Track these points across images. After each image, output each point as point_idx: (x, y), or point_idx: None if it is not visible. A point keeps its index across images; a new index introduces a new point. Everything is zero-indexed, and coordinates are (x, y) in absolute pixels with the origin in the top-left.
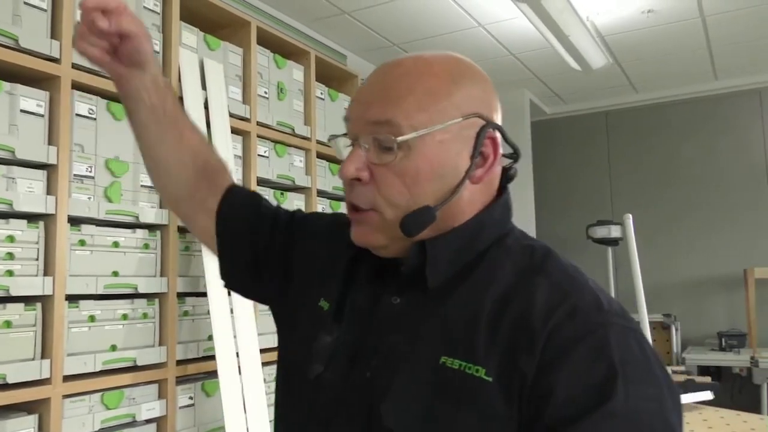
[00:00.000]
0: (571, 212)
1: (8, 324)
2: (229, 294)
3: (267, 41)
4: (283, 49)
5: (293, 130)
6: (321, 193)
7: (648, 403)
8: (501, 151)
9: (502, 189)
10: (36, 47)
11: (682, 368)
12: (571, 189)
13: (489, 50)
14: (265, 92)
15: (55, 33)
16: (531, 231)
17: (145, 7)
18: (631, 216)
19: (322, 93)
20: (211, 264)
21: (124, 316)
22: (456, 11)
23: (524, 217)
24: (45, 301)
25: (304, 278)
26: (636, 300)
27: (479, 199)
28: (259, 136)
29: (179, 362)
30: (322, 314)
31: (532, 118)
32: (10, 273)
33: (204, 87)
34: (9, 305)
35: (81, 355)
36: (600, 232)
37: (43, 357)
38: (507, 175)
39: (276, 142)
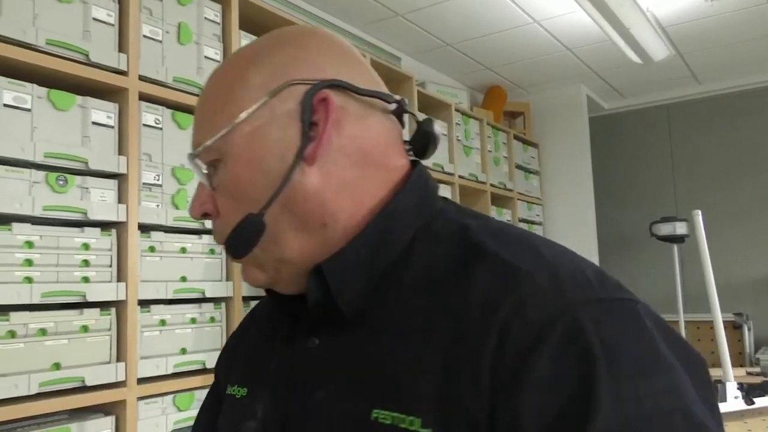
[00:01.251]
0: (634, 209)
1: (85, 329)
2: None
3: None
4: None
5: None
6: None
7: (655, 400)
8: (350, 110)
9: (414, 165)
10: (105, 61)
11: (757, 369)
12: (632, 185)
13: (545, 46)
14: None
15: (122, 46)
16: (591, 229)
17: (206, 18)
18: (700, 212)
19: None
20: None
21: (193, 320)
22: (510, 8)
23: (584, 216)
24: (119, 306)
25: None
26: (708, 299)
27: (353, 183)
28: None
29: None
30: (238, 401)
31: (590, 114)
32: (86, 279)
33: None
34: (86, 311)
35: (153, 358)
36: (664, 229)
37: (118, 360)
38: (423, 143)
39: None
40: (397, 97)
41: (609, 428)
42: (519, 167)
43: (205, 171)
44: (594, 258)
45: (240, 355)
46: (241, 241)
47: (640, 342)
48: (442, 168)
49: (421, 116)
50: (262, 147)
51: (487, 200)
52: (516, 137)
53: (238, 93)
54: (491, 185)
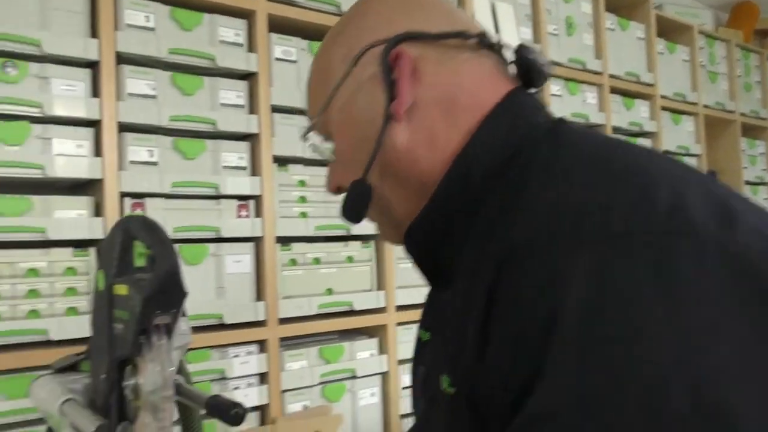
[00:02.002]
0: None
1: (350, 259)
2: None
3: None
4: None
5: (584, 65)
6: (616, 130)
7: (645, 366)
8: (429, 58)
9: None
10: None
11: None
12: None
13: None
14: (555, 29)
15: None
16: None
17: None
18: None
19: (612, 24)
20: None
21: None
22: None
23: None
24: (378, 239)
25: None
26: None
27: (444, 134)
28: (551, 76)
29: None
30: (423, 344)
31: None
32: None
33: (497, 29)
34: (350, 243)
35: (407, 288)
36: None
37: (379, 288)
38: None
39: (567, 79)
40: (478, 31)
41: (553, 404)
42: None
43: (324, 146)
44: None
45: (427, 298)
46: (352, 208)
47: (647, 293)
48: (684, 97)
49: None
50: (354, 115)
51: (736, 131)
52: None
53: (328, 70)
54: (741, 114)
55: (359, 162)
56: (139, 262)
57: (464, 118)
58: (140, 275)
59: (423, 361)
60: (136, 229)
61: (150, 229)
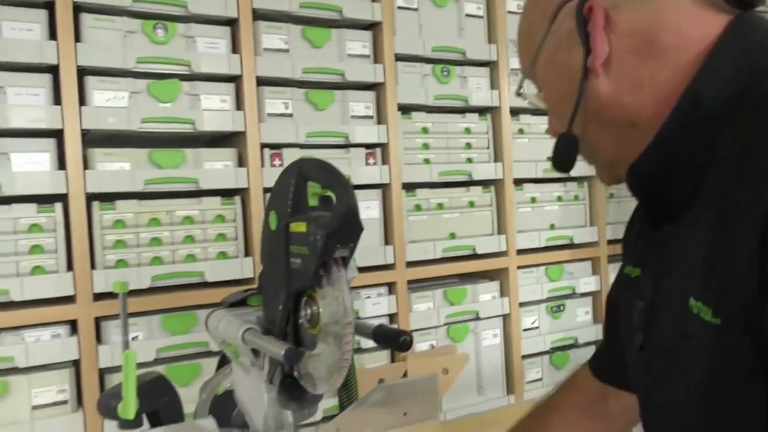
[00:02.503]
0: None
1: (472, 204)
2: None
3: None
4: None
5: None
6: None
7: None
8: (623, 4)
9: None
10: None
11: None
12: None
13: None
14: None
15: None
16: None
17: None
18: None
19: None
20: None
21: (559, 198)
22: None
23: None
24: (497, 184)
25: None
26: None
27: (648, 77)
28: None
29: (610, 242)
30: (632, 280)
31: None
32: (469, 160)
33: None
34: (471, 188)
35: (528, 232)
36: None
37: (499, 233)
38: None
39: None
40: None
41: None
42: None
43: (536, 98)
44: None
45: (633, 235)
46: (560, 157)
47: None
48: None
49: None
50: (557, 71)
51: None
52: None
53: (530, 28)
54: None
55: (564, 113)
56: (313, 201)
57: (673, 57)
58: (316, 214)
59: (640, 295)
60: (310, 171)
61: (327, 171)
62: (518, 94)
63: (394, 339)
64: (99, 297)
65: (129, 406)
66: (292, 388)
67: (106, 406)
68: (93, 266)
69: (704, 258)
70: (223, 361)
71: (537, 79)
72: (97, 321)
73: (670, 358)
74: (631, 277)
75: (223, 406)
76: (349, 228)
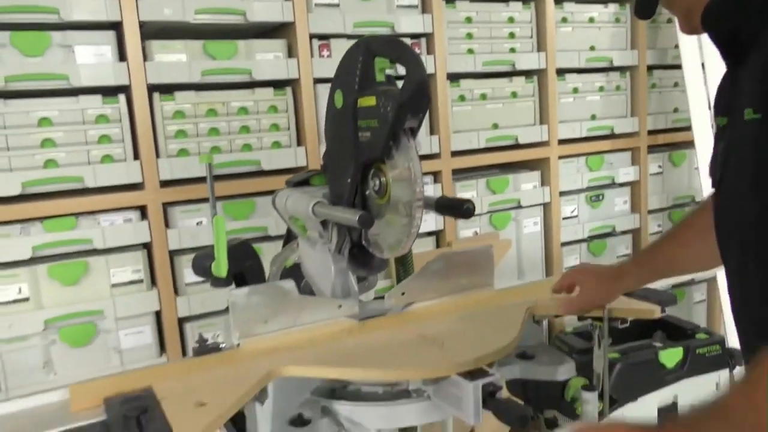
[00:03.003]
0: None
1: (514, 94)
2: (702, 66)
3: None
4: None
5: None
6: None
7: None
8: None
9: None
10: None
11: None
12: None
13: None
14: None
15: None
16: None
17: None
18: None
19: None
20: (683, 36)
21: (601, 88)
22: None
23: None
24: (540, 74)
25: None
26: None
27: None
28: None
29: (650, 132)
30: (720, 129)
31: None
32: (512, 50)
33: None
34: (514, 78)
35: (569, 123)
36: None
37: (541, 123)
38: None
39: None
40: None
41: None
42: None
43: None
44: None
45: (720, 89)
46: (642, 3)
47: None
48: None
49: None
50: None
51: None
52: None
53: None
54: None
55: None
56: (380, 77)
57: None
58: (384, 87)
59: (723, 137)
60: (378, 46)
61: (396, 44)
62: None
63: (457, 207)
64: (165, 184)
65: (221, 265)
66: (360, 256)
67: (200, 266)
68: (157, 155)
69: (758, 77)
70: (289, 238)
71: None
72: (165, 207)
73: (734, 164)
74: (720, 126)
75: (291, 278)
76: (419, 99)
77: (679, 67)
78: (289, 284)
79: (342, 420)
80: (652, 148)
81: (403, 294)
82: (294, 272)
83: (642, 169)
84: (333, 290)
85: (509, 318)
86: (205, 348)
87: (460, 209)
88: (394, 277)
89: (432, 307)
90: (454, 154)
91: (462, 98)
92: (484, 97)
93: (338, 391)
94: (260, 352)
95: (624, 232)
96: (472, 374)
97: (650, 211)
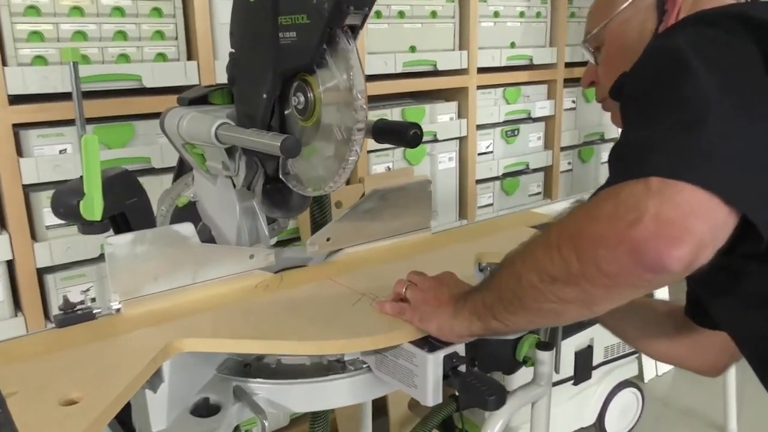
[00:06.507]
0: None
1: (434, 14)
2: None
3: None
4: None
5: None
6: None
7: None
8: None
9: None
10: None
11: None
12: None
13: None
14: None
15: None
16: None
17: None
18: None
19: None
20: None
21: (521, 14)
22: None
23: None
24: None
25: None
26: None
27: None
28: None
29: (567, 65)
30: None
31: None
32: None
33: None
34: None
35: (488, 50)
36: None
37: (461, 48)
38: None
39: None
40: None
41: None
42: None
43: (592, 52)
44: None
45: None
46: (616, 90)
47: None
48: None
49: None
50: (628, 34)
51: None
52: None
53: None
54: None
55: (622, 66)
56: None
57: None
58: None
59: None
60: None
61: None
62: (584, 42)
63: (401, 133)
64: (15, 100)
65: (94, 204)
66: (274, 193)
67: (64, 205)
68: (4, 62)
69: None
70: (181, 171)
71: (605, 37)
72: (16, 129)
73: None
74: None
75: (184, 220)
76: None
77: None
78: (187, 228)
79: (260, 402)
80: (568, 82)
81: (328, 240)
82: (188, 213)
83: (557, 104)
84: (239, 235)
85: (457, 267)
86: (72, 316)
87: (405, 136)
88: (309, 220)
89: (362, 253)
90: (368, 78)
91: (378, 14)
92: (401, 15)
93: (253, 365)
94: (149, 319)
95: (536, 170)
96: (429, 343)
97: (562, 148)
